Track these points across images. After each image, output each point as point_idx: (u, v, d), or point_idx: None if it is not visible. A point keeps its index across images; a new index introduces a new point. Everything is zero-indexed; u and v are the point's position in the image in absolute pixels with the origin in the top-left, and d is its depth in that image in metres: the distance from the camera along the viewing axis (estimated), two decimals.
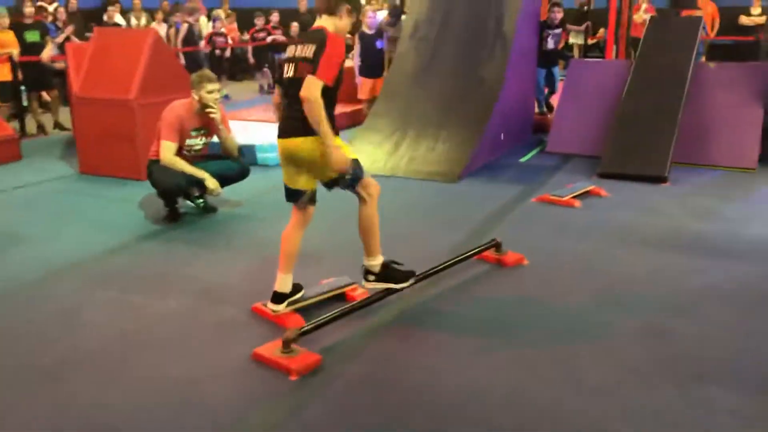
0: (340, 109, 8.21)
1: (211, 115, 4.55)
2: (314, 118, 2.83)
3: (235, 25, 14.53)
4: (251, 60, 12.06)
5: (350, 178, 3.00)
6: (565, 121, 7.01)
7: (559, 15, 8.11)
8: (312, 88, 2.81)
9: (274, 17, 12.35)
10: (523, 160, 6.64)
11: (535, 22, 7.73)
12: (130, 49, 5.85)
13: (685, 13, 7.57)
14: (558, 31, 8.16)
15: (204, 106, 4.56)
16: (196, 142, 4.71)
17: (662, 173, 5.65)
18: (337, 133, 2.98)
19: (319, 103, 2.81)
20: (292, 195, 3.17)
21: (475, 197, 5.30)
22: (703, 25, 10.33)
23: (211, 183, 4.55)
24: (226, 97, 11.15)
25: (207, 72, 4.70)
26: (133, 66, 5.77)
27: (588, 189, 5.30)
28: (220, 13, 13.95)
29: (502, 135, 6.84)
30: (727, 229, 4.44)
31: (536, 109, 8.29)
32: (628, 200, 5.16)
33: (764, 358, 2.82)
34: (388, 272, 3.20)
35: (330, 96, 2.94)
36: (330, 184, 3.10)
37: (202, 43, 11.08)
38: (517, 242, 4.12)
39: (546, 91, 8.48)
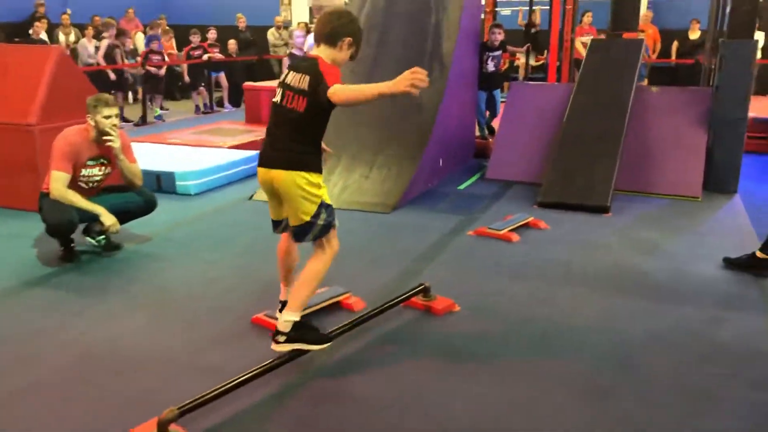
0: (262, 135, 7.92)
1: (108, 144, 4.07)
2: (357, 97, 2.76)
3: (172, 43, 13.98)
4: (186, 79, 11.52)
5: (323, 224, 2.82)
6: (506, 146, 6.73)
7: (499, 37, 7.88)
8: (338, 92, 2.66)
9: (211, 35, 11.87)
10: (461, 187, 6.32)
11: (475, 43, 7.47)
12: (31, 69, 5.32)
13: (626, 35, 7.40)
14: (498, 53, 7.92)
15: (101, 132, 4.08)
16: (94, 172, 4.21)
17: (604, 203, 5.39)
18: (320, 170, 2.85)
19: (344, 88, 2.70)
20: (277, 226, 3.05)
21: (409, 230, 4.92)
22: (646, 48, 10.30)
23: (108, 219, 4.05)
24: (159, 117, 10.61)
25: (104, 95, 4.21)
26: (33, 87, 5.23)
27: (527, 221, 4.99)
28: (157, 29, 13.41)
29: (441, 161, 6.52)
30: (673, 268, 4.16)
31: (477, 133, 8.02)
32: (569, 233, 4.86)
33: (712, 427, 2.49)
34: (301, 332, 2.83)
35: (322, 123, 2.85)
36: (298, 233, 2.85)
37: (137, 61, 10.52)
38: (451, 283, 3.77)
39: (487, 114, 8.23)
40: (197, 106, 11.54)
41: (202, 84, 11.44)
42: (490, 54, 7.82)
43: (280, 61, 13.04)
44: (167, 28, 14.03)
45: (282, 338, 2.79)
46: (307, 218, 2.79)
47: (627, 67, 6.56)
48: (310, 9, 15.68)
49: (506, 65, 13.80)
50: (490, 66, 7.85)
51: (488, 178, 6.57)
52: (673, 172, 5.98)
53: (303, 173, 2.75)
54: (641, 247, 4.56)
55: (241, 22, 12.82)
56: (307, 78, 2.74)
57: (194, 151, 6.84)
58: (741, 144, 5.95)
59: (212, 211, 5.43)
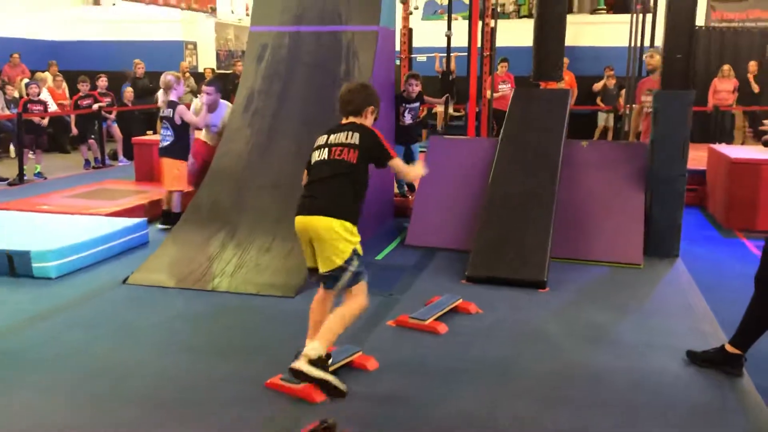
0: (151, 197, 6.94)
1: None
2: (407, 175, 3.49)
3: (64, 91, 12.79)
4: (74, 131, 10.36)
5: (354, 272, 3.03)
6: (427, 209, 6.02)
7: (417, 88, 7.24)
8: (396, 166, 3.30)
9: (101, 82, 10.78)
10: (379, 257, 5.54)
11: (391, 94, 6.79)
12: None
13: (548, 85, 6.93)
14: (416, 105, 7.28)
15: None
16: None
17: (540, 277, 4.71)
18: (357, 223, 3.09)
19: (400, 166, 3.35)
20: (313, 274, 3.21)
21: None
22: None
23: None
24: (38, 175, 9.41)
25: None
26: None
27: (455, 304, 4.23)
28: (44, 76, 12.22)
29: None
30: (628, 366, 3.47)
31: (396, 190, 7.31)
32: (503, 320, 4.12)
33: None
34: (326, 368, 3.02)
35: (363, 183, 3.19)
36: (329, 278, 3.07)
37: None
38: (366, 404, 2.94)
39: None
40: (87, 161, 10.38)
41: (92, 136, 10.31)
42: (407, 106, 7.17)
43: None
44: (57, 73, 12.86)
45: (306, 365, 2.91)
46: (339, 262, 3.01)
47: (554, 120, 6.03)
48: (218, 53, 14.81)
49: (424, 112, 13.35)
50: (407, 119, 7.19)
51: (409, 244, 5.82)
52: (611, 236, 5.40)
53: (342, 221, 3.03)
54: (587, 335, 3.86)
55: (139, 68, 11.79)
56: (357, 134, 3.17)
57: (64, 220, 5.78)
58: (681, 204, 5.45)
59: (71, 303, 4.39)
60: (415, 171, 3.43)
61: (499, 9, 15.36)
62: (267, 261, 4.92)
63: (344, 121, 3.29)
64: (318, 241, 3.03)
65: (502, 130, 6.16)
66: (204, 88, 6.74)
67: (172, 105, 6.25)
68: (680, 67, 5.36)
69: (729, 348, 3.32)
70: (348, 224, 3.03)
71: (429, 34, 14.01)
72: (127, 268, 5.01)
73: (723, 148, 7.13)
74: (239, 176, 5.66)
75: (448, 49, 10.22)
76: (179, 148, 6.26)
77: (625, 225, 5.44)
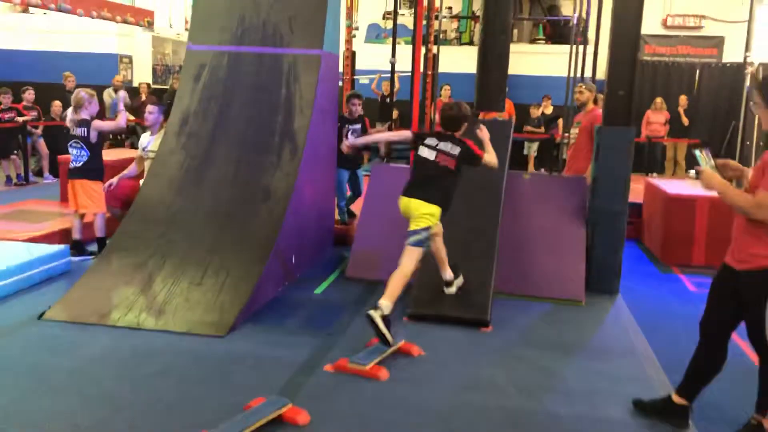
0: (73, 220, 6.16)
1: None
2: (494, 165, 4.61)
3: None
4: None
5: (422, 238, 4.22)
6: (368, 239, 5.85)
7: (359, 108, 7.13)
8: (486, 161, 4.49)
9: (29, 95, 10.22)
10: (318, 291, 5.32)
11: (334, 118, 6.61)
12: None
13: (488, 115, 6.91)
14: (359, 126, 7.14)
15: None
16: None
17: (483, 317, 4.59)
18: (445, 209, 4.37)
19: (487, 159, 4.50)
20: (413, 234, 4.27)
21: (247, 367, 3.79)
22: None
23: None
24: None
25: None
26: None
27: (397, 346, 4.05)
28: None
29: (294, 257, 5.50)
30: (577, 414, 3.37)
31: (337, 217, 7.12)
32: (446, 363, 3.96)
33: None
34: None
35: (456, 182, 4.44)
36: (409, 235, 4.22)
37: None
38: None
39: (349, 193, 7.37)
40: (8, 177, 9.78)
41: (15, 152, 9.73)
42: (350, 127, 7.02)
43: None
44: None
45: (379, 318, 3.92)
46: (419, 227, 4.21)
47: (496, 152, 5.96)
48: (154, 68, 14.33)
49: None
50: (351, 140, 7.02)
51: (349, 276, 5.62)
52: (553, 271, 5.35)
53: (435, 206, 4.25)
54: (532, 382, 3.74)
55: (69, 81, 11.23)
56: (458, 148, 4.35)
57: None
58: (621, 240, 5.45)
59: None
60: (494, 158, 4.55)
61: (441, 35, 15.47)
62: (198, 295, 4.63)
63: (445, 131, 4.44)
64: (412, 216, 4.25)
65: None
66: (148, 107, 6.41)
67: (84, 124, 5.82)
68: (623, 104, 5.39)
69: (676, 398, 3.26)
70: (435, 208, 4.24)
71: (371, 57, 13.95)
72: (44, 302, 4.63)
73: (660, 182, 7.26)
74: (171, 202, 5.36)
75: (392, 74, 10.11)
76: (95, 167, 5.87)
77: (567, 260, 5.40)
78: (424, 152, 4.38)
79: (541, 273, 5.35)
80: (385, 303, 3.96)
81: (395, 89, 11.18)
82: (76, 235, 5.88)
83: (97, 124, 5.88)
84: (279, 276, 5.22)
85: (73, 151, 5.86)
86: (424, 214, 4.20)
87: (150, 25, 11.77)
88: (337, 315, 4.74)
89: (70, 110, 5.94)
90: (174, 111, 5.90)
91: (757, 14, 14.15)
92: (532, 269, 5.38)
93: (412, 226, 4.21)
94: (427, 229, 4.19)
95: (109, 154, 7.19)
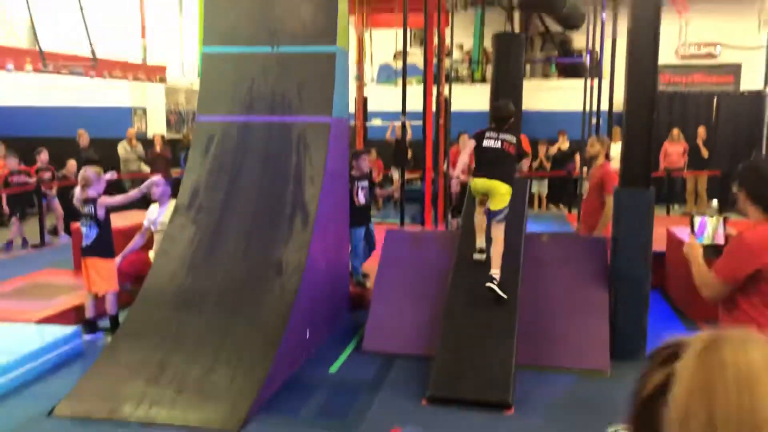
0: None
1: None
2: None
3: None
4: (5, 209, 9.68)
5: (507, 212, 5.27)
6: (384, 310, 5.71)
7: (367, 164, 7.09)
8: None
9: (43, 156, 10.28)
10: (333, 369, 5.17)
11: (344, 181, 6.52)
12: None
13: None
14: (366, 182, 7.08)
15: None
16: None
17: (505, 398, 4.42)
18: (512, 186, 5.42)
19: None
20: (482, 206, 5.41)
21: None
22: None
23: None
24: None
25: None
26: None
27: None
28: None
29: (309, 332, 5.38)
30: None
31: (353, 278, 6.99)
32: None
33: None
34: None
35: (515, 166, 5.62)
36: (496, 213, 5.23)
37: None
38: None
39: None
40: (24, 240, 9.78)
41: (17, 213, 9.63)
42: (360, 184, 6.94)
43: (134, 181, 11.56)
44: None
45: (496, 286, 5.06)
46: (503, 206, 5.19)
47: (514, 213, 5.83)
48: (168, 120, 14.42)
49: (380, 177, 13.17)
50: (361, 198, 6.95)
51: (365, 350, 5.48)
52: (576, 339, 5.17)
53: (509, 186, 5.23)
54: None
55: (83, 138, 11.32)
56: (515, 138, 5.34)
57: None
58: (646, 305, 5.27)
59: None
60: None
61: (453, 74, 15.45)
62: (210, 384, 4.51)
63: (499, 126, 5.40)
64: (495, 194, 5.18)
65: (462, 224, 5.95)
66: (154, 179, 6.37)
67: (91, 202, 5.77)
68: (640, 166, 5.24)
69: None
70: (509, 187, 5.22)
71: (384, 98, 13.93)
72: (55, 392, 4.54)
73: (682, 233, 7.03)
74: (181, 283, 5.27)
75: (403, 126, 10.03)
76: (106, 244, 5.81)
77: (590, 328, 5.23)
78: (489, 143, 5.28)
79: (564, 342, 5.18)
80: (496, 272, 5.11)
81: (407, 137, 11.14)
82: (89, 314, 5.82)
83: (105, 200, 5.84)
84: (294, 354, 5.09)
85: (83, 229, 5.81)
86: (503, 193, 5.17)
87: (162, 81, 11.85)
88: (354, 398, 4.59)
89: (77, 189, 5.90)
90: (183, 184, 5.85)
91: None
92: (553, 338, 5.21)
93: (497, 206, 5.18)
94: (507, 206, 5.21)
95: (120, 219, 7.13)
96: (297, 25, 6.05)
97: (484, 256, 5.40)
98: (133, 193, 6.16)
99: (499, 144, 5.27)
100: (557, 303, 5.37)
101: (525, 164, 7.49)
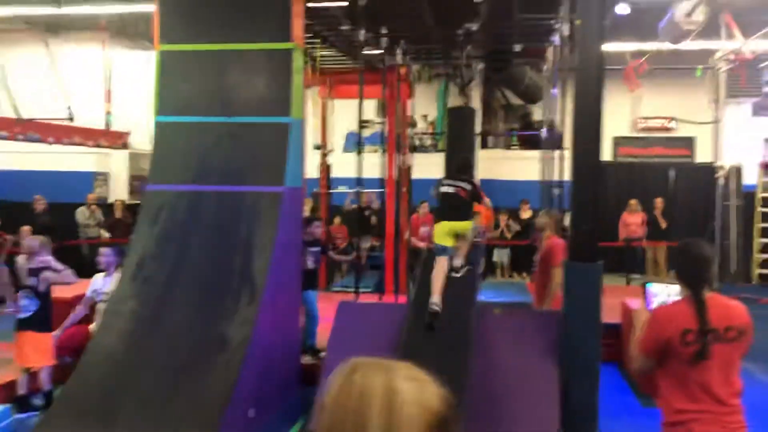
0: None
1: None
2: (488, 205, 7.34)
3: None
4: None
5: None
6: None
7: (319, 230, 7.18)
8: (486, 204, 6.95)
9: None
10: None
11: (297, 251, 6.43)
12: None
13: None
14: (317, 249, 7.15)
15: None
16: None
17: None
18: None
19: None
20: (444, 251, 6.04)
21: None
22: (481, 233, 9.95)
23: None
24: None
25: None
26: None
27: None
28: None
29: (253, 411, 5.18)
30: None
31: (306, 344, 6.83)
32: None
33: None
34: None
35: (472, 207, 6.42)
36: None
37: None
38: None
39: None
40: None
41: None
42: (310, 249, 7.00)
43: (92, 247, 11.30)
44: None
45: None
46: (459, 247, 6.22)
47: (464, 285, 5.81)
48: (131, 185, 14.29)
49: (344, 243, 13.14)
50: (309, 263, 7.03)
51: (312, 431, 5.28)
52: (525, 417, 5.07)
53: (469, 221, 6.22)
54: None
55: (39, 203, 11.13)
56: (470, 186, 6.17)
57: None
58: (596, 381, 5.19)
59: None
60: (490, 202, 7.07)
61: (417, 142, 15.69)
62: None
63: (458, 175, 6.34)
64: (462, 234, 6.11)
65: (413, 295, 5.89)
66: (102, 250, 6.25)
67: (35, 273, 5.62)
68: (588, 239, 5.27)
69: None
70: (470, 222, 6.22)
71: (349, 166, 14.02)
72: None
73: (636, 305, 7.02)
74: (121, 357, 5.09)
75: (359, 195, 10.05)
76: (44, 318, 5.62)
77: (540, 405, 5.12)
78: (447, 189, 6.16)
79: (512, 420, 5.07)
80: (437, 298, 5.62)
81: (371, 204, 11.20)
82: (21, 390, 5.56)
83: (47, 276, 5.67)
84: None
85: (23, 300, 5.62)
86: (466, 229, 6.14)
87: (125, 147, 11.81)
88: None
89: (22, 257, 5.74)
90: (129, 255, 5.72)
91: (728, 115, 14.53)
92: (502, 416, 5.09)
93: (455, 244, 6.11)
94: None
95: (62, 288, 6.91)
96: (251, 95, 6.10)
97: (438, 309, 5.61)
98: (79, 311, 6.00)
99: (452, 189, 6.08)
100: (507, 379, 5.28)
101: (488, 232, 7.98)
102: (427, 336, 5.37)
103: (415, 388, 1.18)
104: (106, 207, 13.14)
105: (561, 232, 6.14)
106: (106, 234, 12.41)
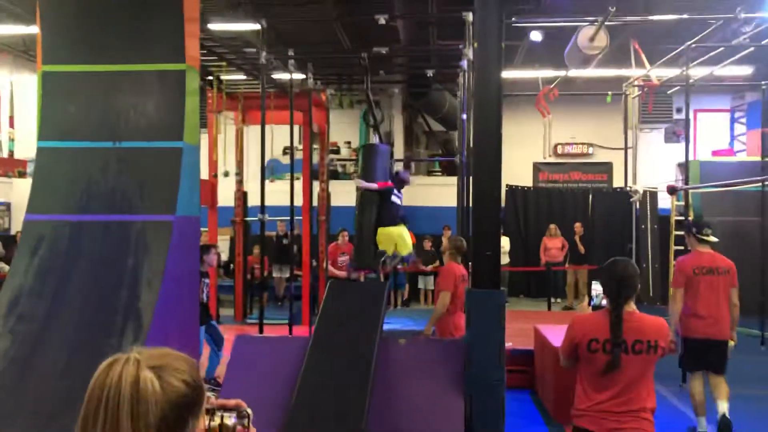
0: None
1: None
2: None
3: None
4: None
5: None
6: None
7: (214, 258, 6.87)
8: None
9: None
10: None
11: (192, 282, 6.06)
12: None
13: None
14: (207, 281, 6.84)
15: None
16: None
17: None
18: None
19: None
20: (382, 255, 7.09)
21: None
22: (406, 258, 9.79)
23: None
24: None
25: None
26: None
27: None
28: None
29: None
30: None
31: (206, 378, 6.45)
32: None
33: None
34: None
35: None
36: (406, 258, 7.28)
37: None
38: None
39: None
40: None
41: None
42: (205, 281, 6.66)
43: None
44: None
45: None
46: (409, 249, 7.74)
47: (369, 318, 5.57)
48: None
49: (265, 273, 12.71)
50: (204, 296, 6.71)
51: None
52: None
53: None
54: None
55: None
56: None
57: None
58: (502, 409, 5.03)
59: None
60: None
61: (339, 169, 15.50)
62: None
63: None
64: (402, 241, 7.32)
65: (316, 327, 5.61)
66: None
67: None
68: (491, 265, 5.14)
69: None
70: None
71: (271, 194, 13.70)
72: None
73: (547, 331, 6.96)
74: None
75: (262, 224, 9.77)
76: None
77: None
78: (395, 199, 7.59)
79: None
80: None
81: (284, 232, 10.90)
82: None
83: None
84: None
85: None
86: (407, 237, 7.59)
87: (22, 175, 11.17)
88: None
89: None
90: (4, 290, 5.25)
91: (642, 141, 14.94)
92: None
93: (408, 249, 7.53)
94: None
95: None
96: (141, 119, 5.75)
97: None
98: None
99: (399, 201, 7.46)
100: (411, 413, 5.04)
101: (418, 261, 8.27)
102: (324, 371, 5.09)
103: (161, 376, 1.31)
104: (9, 239, 12.36)
105: (461, 257, 5.99)
106: (6, 267, 11.65)
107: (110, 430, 1.26)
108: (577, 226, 13.27)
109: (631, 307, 3.20)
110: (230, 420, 1.46)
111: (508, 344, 7.26)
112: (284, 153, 15.84)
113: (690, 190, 10.82)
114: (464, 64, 7.44)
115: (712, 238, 5.47)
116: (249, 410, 1.52)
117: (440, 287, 5.85)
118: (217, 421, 1.44)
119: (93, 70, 5.81)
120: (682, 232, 9.17)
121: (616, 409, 3.11)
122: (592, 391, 3.18)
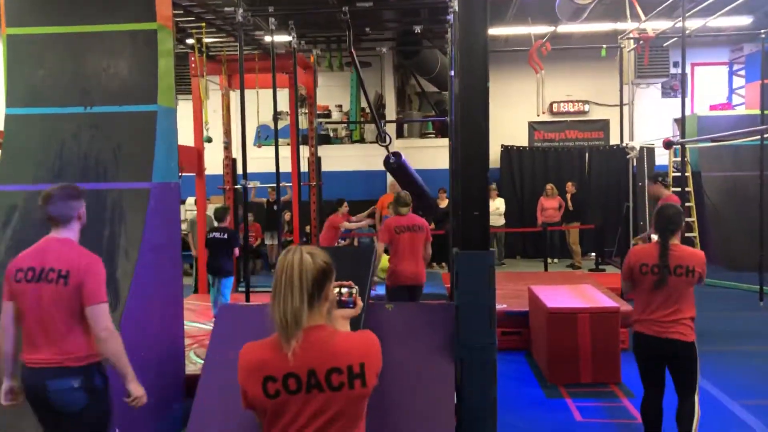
0: None
1: None
2: None
3: None
4: None
5: None
6: (213, 397, 5.06)
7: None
8: None
9: None
10: None
11: (173, 250, 5.81)
12: None
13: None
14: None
15: None
16: None
17: None
18: None
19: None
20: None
21: None
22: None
23: None
24: None
25: None
26: None
27: None
28: None
29: (117, 430, 4.64)
30: None
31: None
32: None
33: None
34: None
35: None
36: None
37: None
38: None
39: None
40: None
41: None
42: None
43: None
44: None
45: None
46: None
47: (356, 277, 5.38)
48: None
49: (257, 241, 12.55)
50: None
51: None
52: (420, 415, 4.69)
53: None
54: None
55: None
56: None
57: None
58: (493, 374, 4.87)
59: None
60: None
61: (331, 134, 15.23)
62: None
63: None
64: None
65: None
66: None
67: None
68: (479, 225, 4.94)
69: None
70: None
71: (261, 160, 13.45)
72: None
73: (541, 292, 6.81)
74: None
75: (245, 192, 9.51)
76: None
77: (435, 402, 4.77)
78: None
79: (407, 419, 4.68)
80: None
81: (284, 198, 10.69)
82: None
83: None
84: None
85: None
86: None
87: None
88: None
89: None
90: None
91: (638, 97, 14.64)
92: (396, 415, 4.72)
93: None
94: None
95: None
96: (112, 83, 5.51)
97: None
98: None
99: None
100: (400, 382, 4.89)
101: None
102: None
103: (313, 256, 2.20)
104: None
105: (406, 209, 6.73)
106: None
107: (288, 286, 2.13)
108: (569, 185, 13.07)
109: (676, 240, 4.19)
110: (344, 290, 2.39)
111: (503, 306, 7.15)
112: (275, 118, 15.54)
113: (687, 145, 10.58)
114: (451, 18, 7.15)
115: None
116: (356, 287, 2.48)
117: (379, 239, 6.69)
118: (337, 289, 2.36)
119: (60, 32, 5.54)
120: (679, 188, 8.98)
121: (663, 319, 4.12)
122: (645, 304, 4.21)
